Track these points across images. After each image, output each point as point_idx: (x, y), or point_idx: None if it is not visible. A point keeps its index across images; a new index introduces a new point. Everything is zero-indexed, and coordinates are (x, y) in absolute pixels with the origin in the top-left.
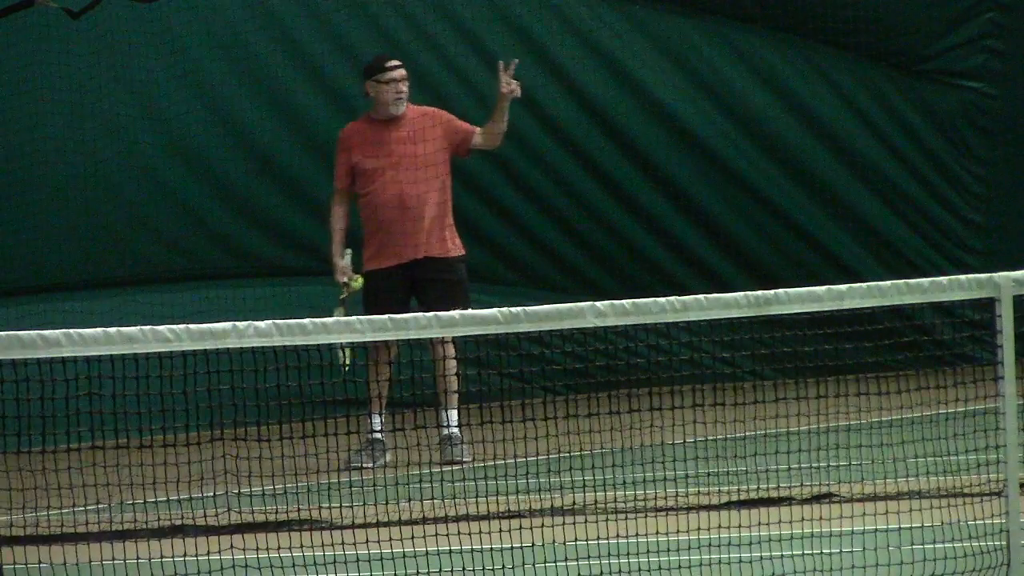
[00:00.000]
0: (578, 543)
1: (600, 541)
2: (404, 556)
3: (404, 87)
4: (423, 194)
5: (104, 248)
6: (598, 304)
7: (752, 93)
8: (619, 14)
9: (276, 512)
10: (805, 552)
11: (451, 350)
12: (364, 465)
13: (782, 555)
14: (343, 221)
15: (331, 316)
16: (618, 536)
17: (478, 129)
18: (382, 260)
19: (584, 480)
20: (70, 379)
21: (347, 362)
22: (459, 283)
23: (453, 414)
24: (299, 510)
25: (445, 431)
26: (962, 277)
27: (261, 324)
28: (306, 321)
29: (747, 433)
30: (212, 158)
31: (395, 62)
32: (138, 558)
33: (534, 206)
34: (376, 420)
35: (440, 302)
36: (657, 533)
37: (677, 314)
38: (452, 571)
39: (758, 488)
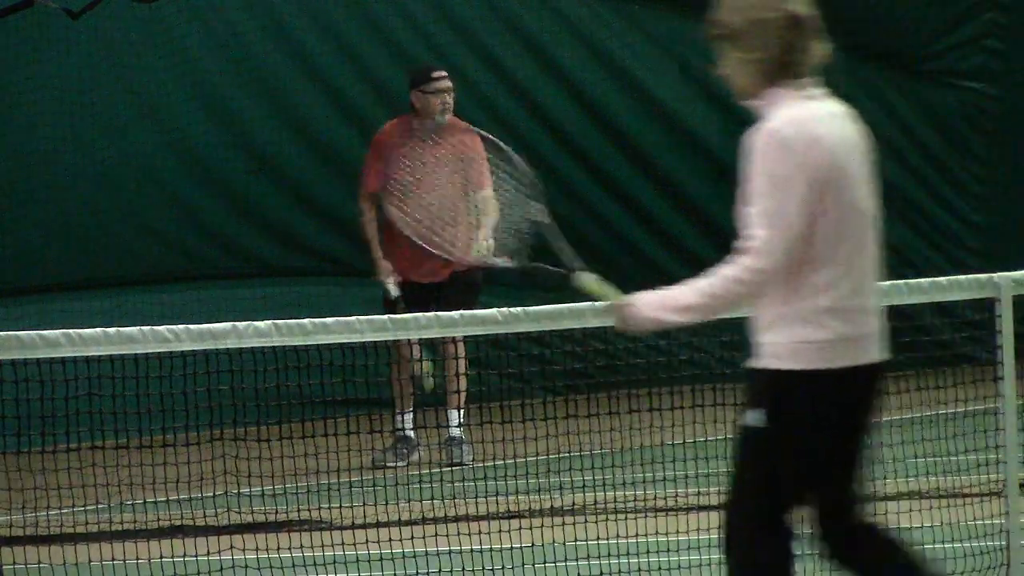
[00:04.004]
0: (578, 543)
1: (600, 541)
2: (404, 556)
3: (450, 97)
4: (453, 216)
5: (104, 248)
6: (598, 304)
7: None
8: (619, 14)
9: (276, 512)
10: (805, 552)
11: (460, 349)
12: (390, 464)
13: None
14: (375, 221)
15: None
16: (618, 536)
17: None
18: (407, 273)
19: (584, 480)
20: (70, 379)
21: (428, 382)
22: (473, 286)
23: (454, 415)
24: (299, 510)
25: (447, 432)
26: (962, 277)
27: (261, 324)
28: (306, 321)
29: None
30: (212, 158)
31: (441, 72)
32: (138, 558)
33: None
34: (402, 418)
35: (452, 302)
36: (657, 533)
37: None
38: (452, 571)
39: None
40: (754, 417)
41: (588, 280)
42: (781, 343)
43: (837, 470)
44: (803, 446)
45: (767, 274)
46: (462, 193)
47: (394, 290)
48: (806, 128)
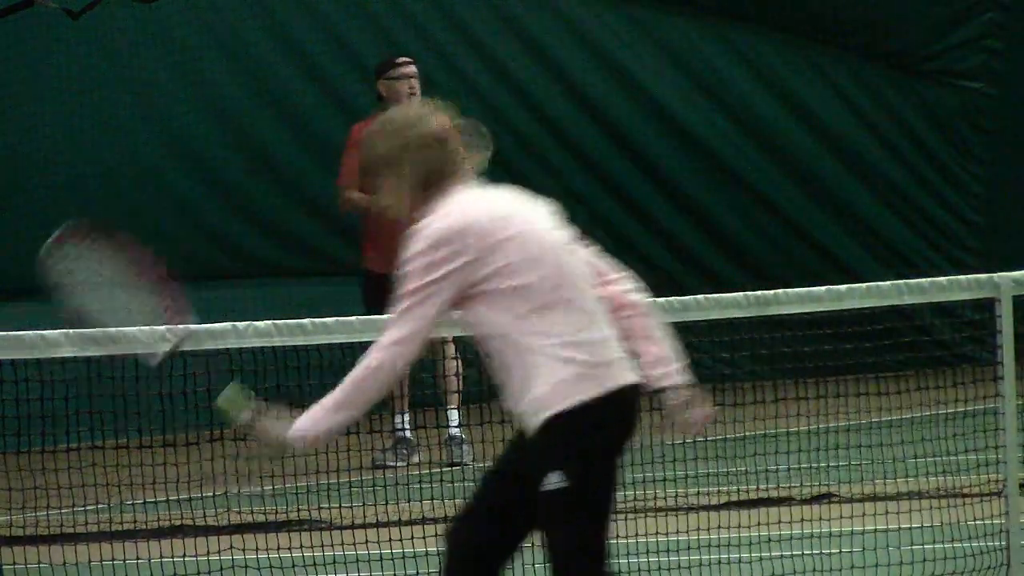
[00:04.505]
0: None
1: None
2: (404, 556)
3: (416, 83)
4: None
5: None
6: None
7: (752, 93)
8: (619, 14)
9: (276, 512)
10: (805, 552)
11: (451, 350)
12: (390, 464)
13: (782, 555)
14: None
15: None
16: (618, 536)
17: None
18: (386, 266)
19: None
20: (70, 379)
21: None
22: None
23: (453, 414)
24: (299, 510)
25: (447, 432)
26: (962, 277)
27: (261, 324)
28: (306, 321)
29: (747, 433)
30: (212, 158)
31: (406, 58)
32: (138, 558)
33: None
34: (402, 419)
35: None
36: (657, 533)
37: (677, 314)
38: None
39: (758, 488)
40: (555, 479)
41: (225, 399)
42: (539, 395)
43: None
44: (602, 480)
45: (401, 345)
46: None
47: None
48: (458, 217)
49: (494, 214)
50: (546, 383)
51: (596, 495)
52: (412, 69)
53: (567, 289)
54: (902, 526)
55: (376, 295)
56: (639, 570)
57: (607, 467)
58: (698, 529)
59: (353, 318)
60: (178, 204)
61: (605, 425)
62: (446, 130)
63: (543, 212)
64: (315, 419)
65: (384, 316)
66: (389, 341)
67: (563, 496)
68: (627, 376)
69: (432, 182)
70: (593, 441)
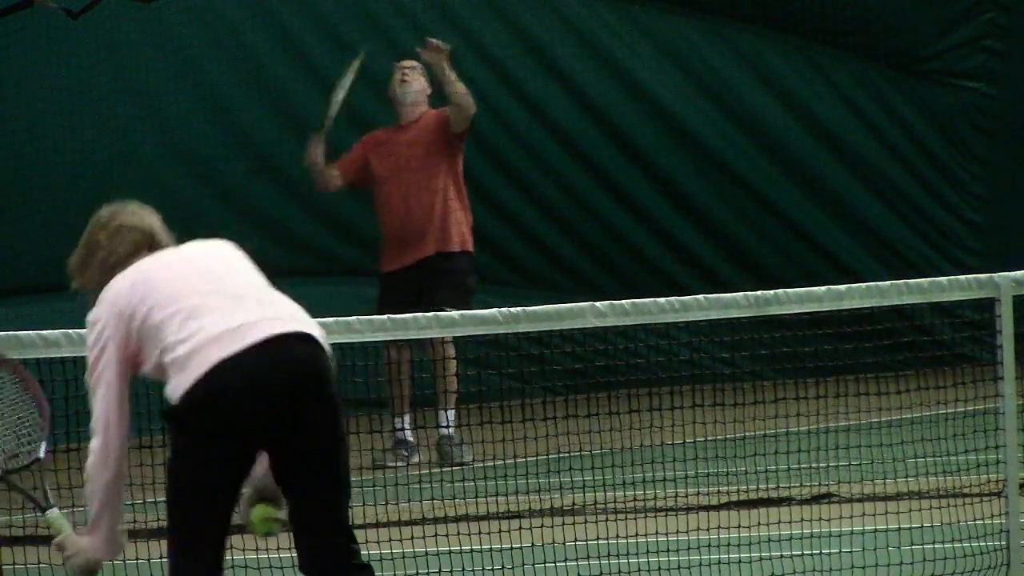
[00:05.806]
0: (578, 543)
1: (600, 541)
2: (404, 556)
3: (411, 75)
4: (426, 197)
5: None
6: (598, 304)
7: (752, 93)
8: (619, 14)
9: None
10: (805, 552)
11: (450, 350)
12: (390, 464)
13: (782, 555)
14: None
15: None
16: (618, 536)
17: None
18: (392, 263)
19: (584, 480)
20: (70, 379)
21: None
22: (454, 274)
23: (451, 414)
24: None
25: (444, 432)
26: (962, 277)
27: None
28: None
29: (747, 433)
30: (212, 158)
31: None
32: (138, 558)
33: (534, 207)
34: (401, 420)
35: (434, 292)
36: (657, 533)
37: (677, 314)
38: (452, 571)
39: (758, 488)
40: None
41: (53, 518)
42: (167, 394)
43: None
44: (198, 469)
45: (107, 434)
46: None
47: (337, 179)
48: (109, 292)
49: (125, 282)
50: (169, 387)
51: (188, 483)
52: (407, 62)
53: (182, 301)
54: (902, 526)
55: (387, 296)
56: (639, 570)
57: (208, 455)
58: (698, 529)
59: (353, 318)
60: (178, 204)
61: (201, 411)
62: (119, 227)
63: (188, 249)
64: (95, 533)
65: (394, 316)
66: (93, 446)
67: (167, 475)
68: (226, 350)
69: (109, 269)
70: (191, 428)
